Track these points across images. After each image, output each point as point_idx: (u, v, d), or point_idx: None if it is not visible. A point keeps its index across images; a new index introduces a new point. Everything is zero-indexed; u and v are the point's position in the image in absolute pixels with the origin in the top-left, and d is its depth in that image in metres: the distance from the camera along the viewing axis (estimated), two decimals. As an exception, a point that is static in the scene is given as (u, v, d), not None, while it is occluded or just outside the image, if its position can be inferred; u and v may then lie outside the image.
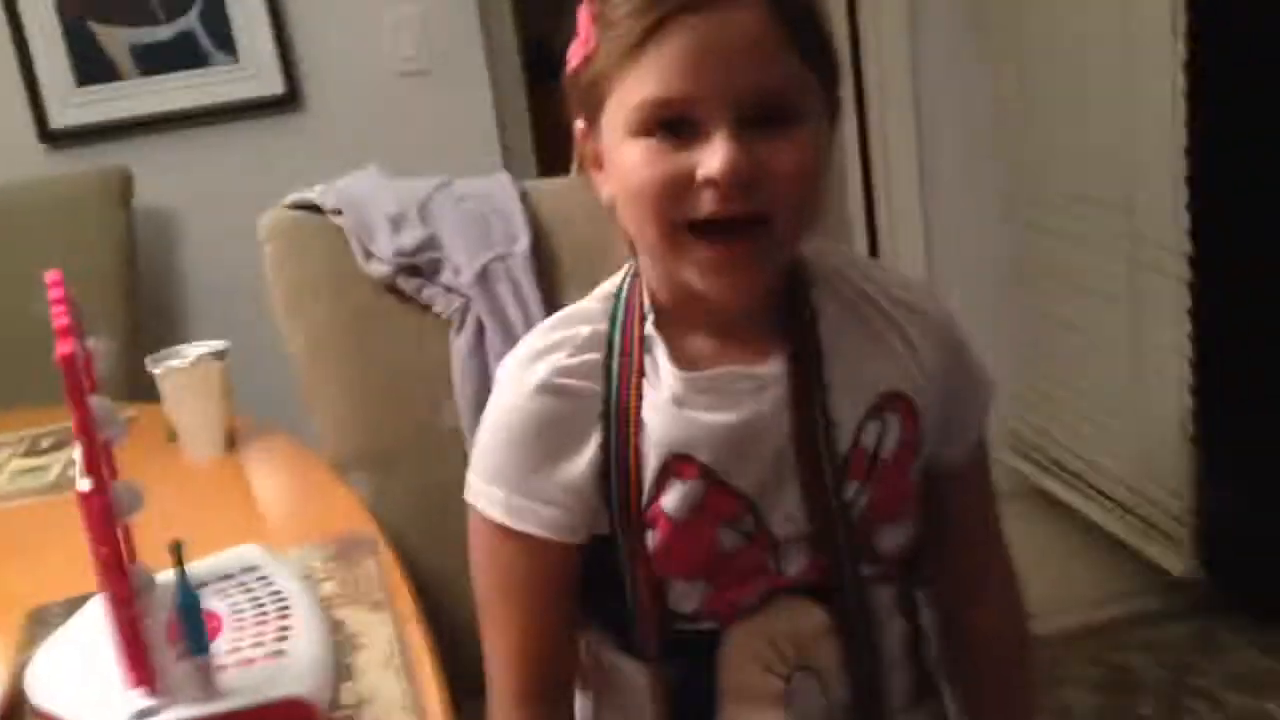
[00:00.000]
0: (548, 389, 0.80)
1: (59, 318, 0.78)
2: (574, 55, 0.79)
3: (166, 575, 1.00)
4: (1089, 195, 2.20)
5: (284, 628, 0.92)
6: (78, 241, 2.05)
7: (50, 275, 0.83)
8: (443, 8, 2.24)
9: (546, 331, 0.84)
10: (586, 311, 0.85)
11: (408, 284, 1.31)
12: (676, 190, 0.72)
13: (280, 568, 1.02)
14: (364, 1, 2.22)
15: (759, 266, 0.76)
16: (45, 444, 1.47)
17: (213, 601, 0.97)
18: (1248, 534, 2.09)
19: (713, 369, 0.79)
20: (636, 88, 0.72)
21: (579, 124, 0.81)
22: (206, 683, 0.83)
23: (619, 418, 0.79)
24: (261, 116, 2.24)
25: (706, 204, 0.72)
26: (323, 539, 1.12)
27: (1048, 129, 2.30)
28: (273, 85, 2.23)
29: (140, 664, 0.82)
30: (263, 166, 2.20)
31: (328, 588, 1.03)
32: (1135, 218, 2.07)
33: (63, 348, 0.75)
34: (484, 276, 1.31)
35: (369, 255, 1.30)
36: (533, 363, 0.81)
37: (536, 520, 0.80)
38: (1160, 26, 1.88)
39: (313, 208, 1.32)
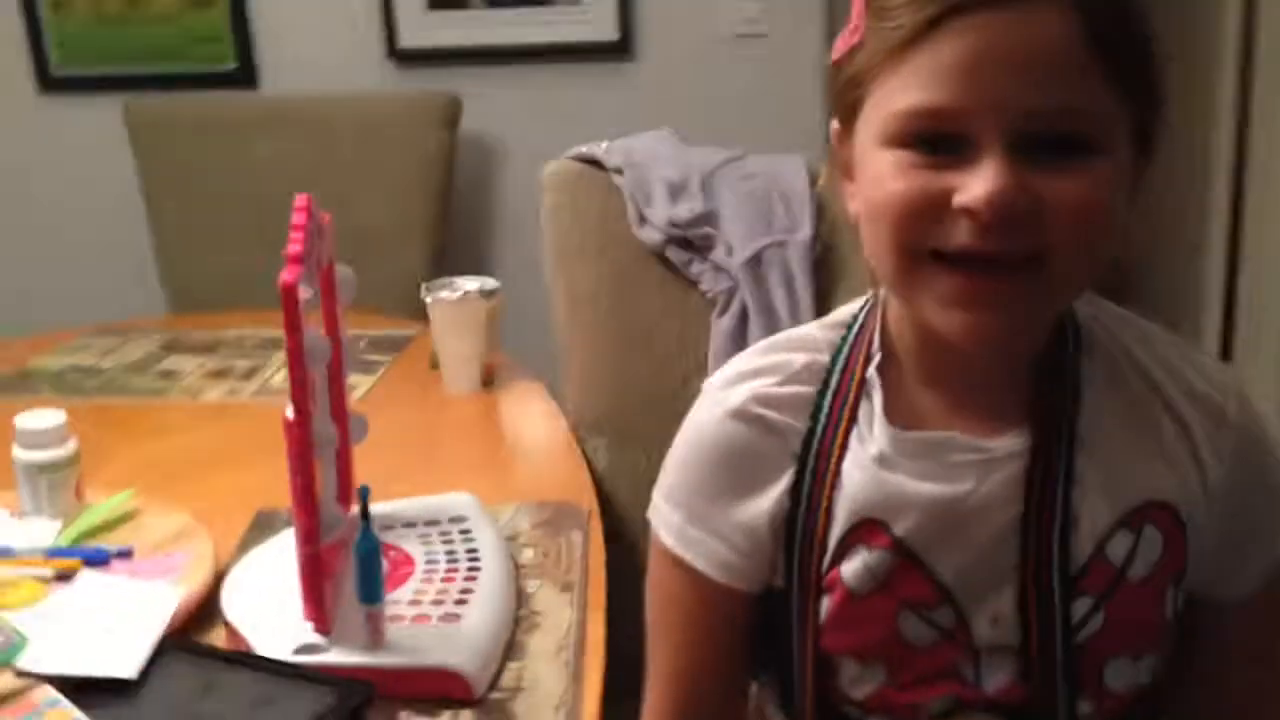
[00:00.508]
0: (744, 416, 0.72)
1: (294, 243, 0.78)
2: (840, 45, 0.69)
3: (375, 509, 1.02)
4: None
5: (467, 590, 0.90)
6: (403, 157, 2.14)
7: (299, 199, 0.83)
8: (795, -33, 2.16)
9: (761, 352, 0.76)
10: (810, 339, 0.76)
11: (677, 256, 1.26)
12: (927, 213, 0.62)
13: (487, 524, 1.01)
14: (712, -42, 2.18)
15: (1017, 311, 0.64)
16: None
17: (412, 544, 0.97)
18: None
19: (933, 431, 0.69)
20: (901, 90, 0.62)
21: (834, 125, 0.71)
22: (374, 632, 0.82)
23: (816, 465, 0.70)
24: (593, 60, 2.26)
25: (960, 235, 0.61)
26: (539, 501, 1.10)
27: None
28: (608, 31, 2.23)
29: (316, 600, 0.82)
30: (586, 109, 2.22)
31: (527, 555, 1.01)
32: None
33: (287, 275, 0.75)
34: (757, 261, 1.25)
35: (643, 220, 1.26)
36: (736, 384, 0.73)
37: (706, 555, 0.73)
38: None
39: (597, 163, 1.30)
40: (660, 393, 1.26)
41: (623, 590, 1.23)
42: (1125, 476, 0.68)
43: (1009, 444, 0.68)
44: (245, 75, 2.29)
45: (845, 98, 0.67)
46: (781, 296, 1.24)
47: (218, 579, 0.93)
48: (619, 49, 2.25)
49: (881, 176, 0.63)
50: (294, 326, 0.76)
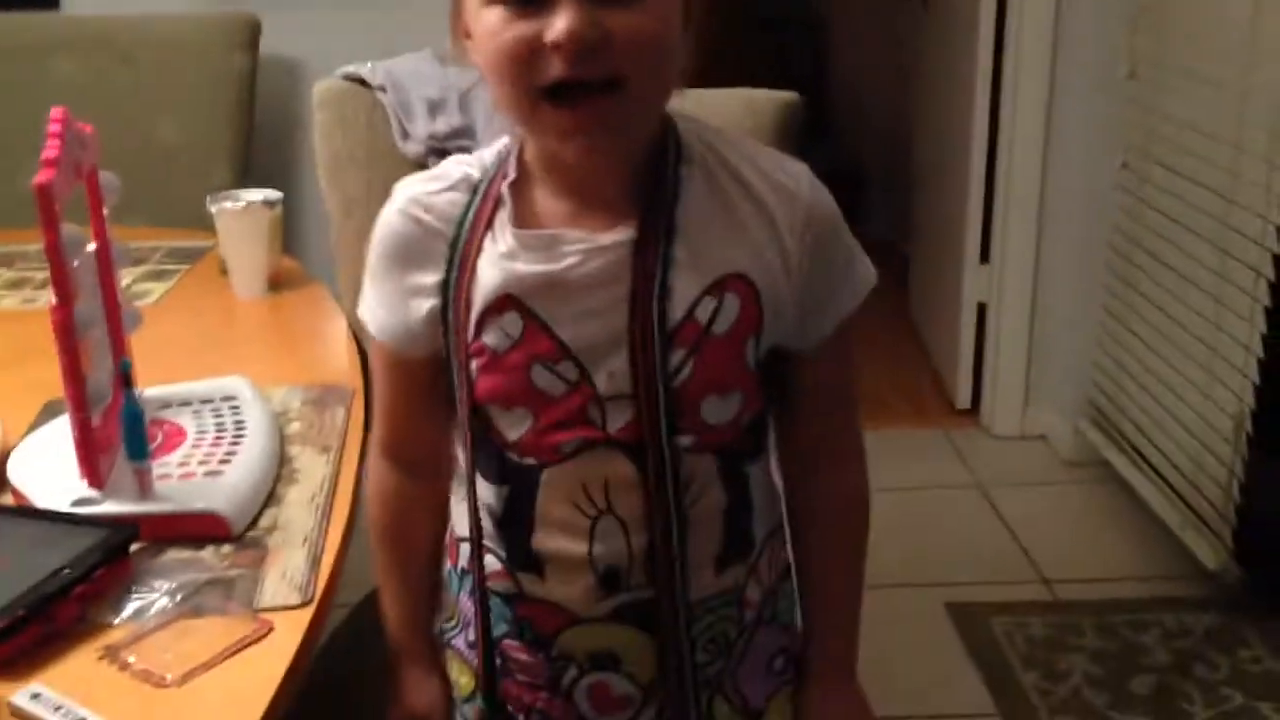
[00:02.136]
0: (406, 214, 0.89)
1: (49, 150, 0.90)
2: None
3: (155, 391, 1.15)
4: (1196, 177, 2.12)
5: (232, 452, 1.05)
6: (205, 78, 2.21)
7: (55, 111, 0.94)
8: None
9: (439, 165, 0.92)
10: (477, 158, 0.91)
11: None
12: (527, 56, 0.77)
13: (257, 402, 1.15)
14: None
15: (614, 128, 0.81)
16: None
17: (185, 419, 1.11)
18: (1287, 541, 2.04)
19: (548, 230, 0.86)
20: None
21: (453, 1, 0.86)
22: (143, 486, 0.96)
23: (460, 262, 0.87)
24: (393, -17, 2.34)
25: (555, 68, 0.77)
26: (309, 384, 1.24)
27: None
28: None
29: (89, 460, 0.95)
30: (386, 31, 2.30)
31: (294, 427, 1.15)
32: (1233, 208, 1.99)
33: (41, 177, 0.87)
34: (509, 168, 1.39)
35: (406, 135, 1.40)
36: (409, 186, 0.90)
37: (383, 328, 0.90)
38: None
39: (364, 82, 1.42)
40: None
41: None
42: (711, 256, 0.85)
43: (614, 236, 0.84)
44: (45, -4, 2.32)
45: None
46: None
47: (6, 456, 1.05)
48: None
49: (489, 31, 0.78)
50: (50, 223, 0.88)
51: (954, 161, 2.93)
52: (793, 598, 0.98)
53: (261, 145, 2.31)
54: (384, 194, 1.40)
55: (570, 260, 0.84)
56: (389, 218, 0.89)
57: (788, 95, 1.35)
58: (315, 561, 0.94)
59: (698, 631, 0.90)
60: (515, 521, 0.88)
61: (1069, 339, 2.67)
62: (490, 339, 0.85)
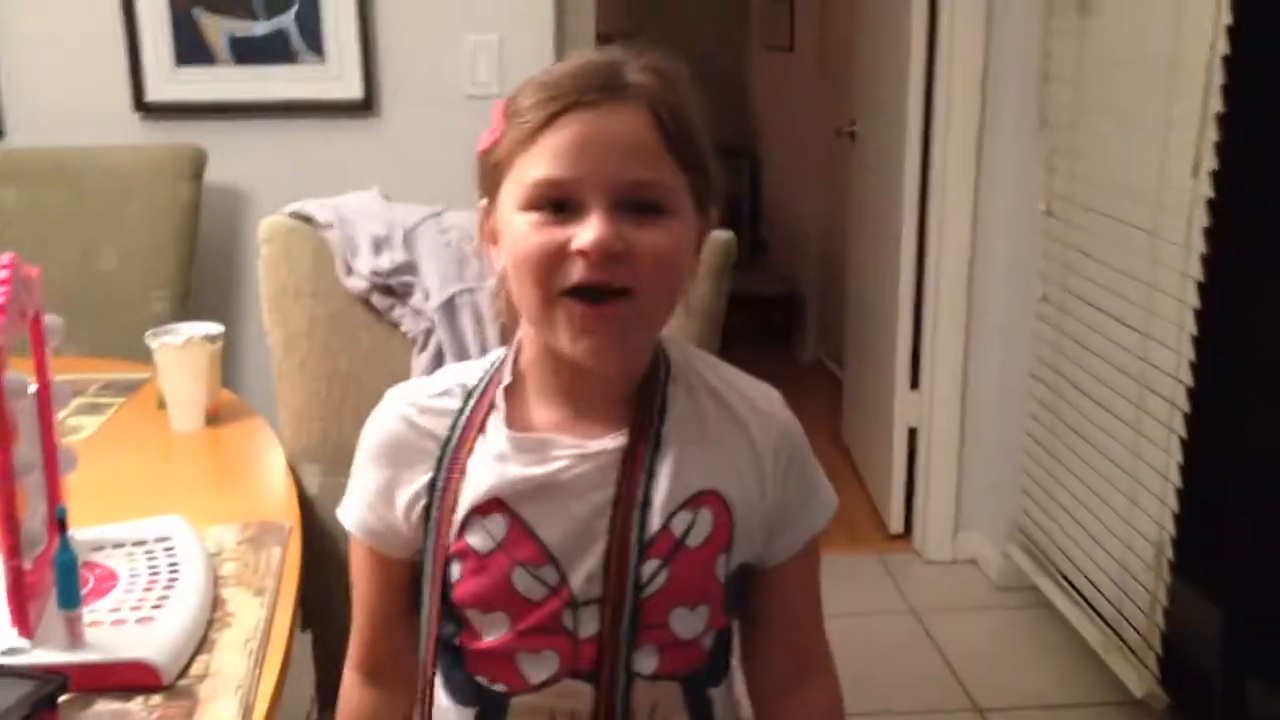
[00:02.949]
0: (402, 417, 0.93)
1: (-4, 299, 0.91)
2: (483, 140, 0.91)
3: (88, 532, 1.14)
4: (1112, 311, 2.21)
5: (164, 597, 1.04)
6: (149, 208, 2.23)
7: (3, 257, 0.96)
8: (521, 37, 2.36)
9: (431, 373, 0.97)
10: (467, 366, 0.97)
11: (380, 302, 1.43)
12: (555, 259, 0.83)
13: (191, 542, 1.15)
14: (447, 25, 2.36)
15: (622, 332, 0.86)
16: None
17: (118, 562, 1.10)
18: (1210, 664, 2.08)
19: (541, 434, 0.89)
20: (531, 167, 0.84)
21: (482, 202, 0.92)
22: (73, 635, 0.95)
23: (450, 462, 0.90)
24: (338, 117, 2.40)
25: (578, 272, 0.83)
26: (245, 521, 1.24)
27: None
28: (353, 90, 2.38)
29: (20, 609, 0.94)
30: (330, 163, 2.36)
31: (229, 568, 1.15)
32: (1149, 342, 2.08)
33: (-14, 327, 0.88)
34: (450, 306, 1.42)
35: (350, 270, 1.42)
36: (404, 392, 0.95)
37: (369, 532, 0.94)
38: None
39: (309, 219, 1.45)
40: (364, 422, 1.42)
41: (328, 592, 1.39)
42: (691, 471, 0.89)
43: (603, 444, 0.88)
44: (-11, 126, 2.34)
45: (490, 178, 0.88)
46: (472, 335, 1.42)
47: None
48: (363, 106, 2.40)
49: (520, 234, 0.84)
50: (-8, 371, 0.89)
51: (883, 289, 3.02)
52: None
53: (203, 274, 2.32)
54: (327, 327, 1.44)
55: (560, 464, 0.87)
56: (381, 418, 0.94)
57: (722, 235, 1.40)
58: (247, 710, 0.93)
59: None
60: None
61: (997, 465, 2.73)
62: (475, 540, 0.88)
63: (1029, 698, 2.30)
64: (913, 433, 2.93)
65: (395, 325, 1.44)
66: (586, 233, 0.81)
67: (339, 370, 1.43)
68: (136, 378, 1.68)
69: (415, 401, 0.93)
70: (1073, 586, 2.40)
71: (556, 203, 0.83)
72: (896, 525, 2.98)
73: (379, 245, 1.44)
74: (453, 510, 0.88)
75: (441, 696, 0.94)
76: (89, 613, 0.99)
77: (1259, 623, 1.99)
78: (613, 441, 0.89)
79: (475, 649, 0.91)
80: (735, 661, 0.98)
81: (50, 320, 1.08)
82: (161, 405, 1.53)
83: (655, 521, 0.87)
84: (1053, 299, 2.46)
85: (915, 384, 2.91)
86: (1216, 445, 1.97)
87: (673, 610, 0.88)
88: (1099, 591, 2.28)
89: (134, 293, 2.18)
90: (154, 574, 1.08)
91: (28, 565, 0.95)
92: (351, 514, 0.95)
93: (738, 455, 0.91)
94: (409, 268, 1.44)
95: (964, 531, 2.86)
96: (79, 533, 1.11)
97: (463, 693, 0.92)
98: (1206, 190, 1.90)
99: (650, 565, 0.87)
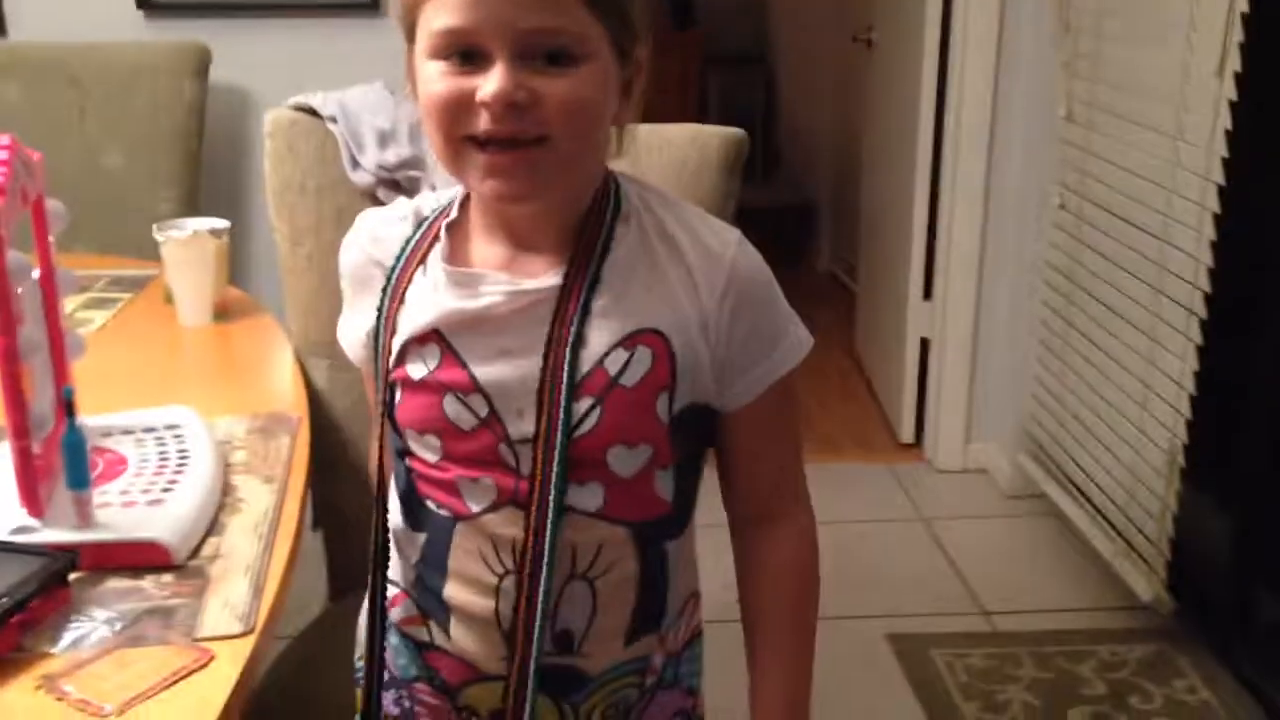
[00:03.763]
0: (355, 243, 0.96)
1: (-4, 178, 0.90)
2: None
3: (98, 420, 1.14)
4: (1130, 217, 2.18)
5: (174, 481, 1.04)
6: (153, 106, 2.20)
7: (2, 138, 0.94)
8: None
9: (399, 201, 0.97)
10: (428, 197, 0.96)
11: (387, 196, 1.41)
12: (459, 108, 0.82)
13: (201, 431, 1.15)
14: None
15: (536, 177, 0.84)
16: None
17: (127, 448, 1.10)
18: (1219, 571, 2.09)
19: (472, 269, 0.89)
20: (434, 16, 0.82)
21: (407, 46, 0.89)
22: (82, 515, 0.96)
23: (392, 290, 0.91)
24: (344, 16, 2.36)
25: (482, 123, 0.81)
26: (254, 413, 1.24)
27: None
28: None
29: (27, 488, 0.95)
30: (336, 63, 2.31)
31: (239, 456, 1.15)
32: (1166, 248, 2.05)
33: (-14, 206, 0.87)
34: (458, 199, 1.40)
35: (355, 164, 1.40)
36: (367, 217, 0.96)
37: (343, 342, 0.98)
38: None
39: (314, 112, 1.43)
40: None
41: (336, 481, 1.40)
42: (629, 310, 0.87)
43: (538, 283, 0.87)
44: (-9, 22, 2.30)
45: (405, 22, 0.86)
46: (481, 231, 1.40)
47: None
48: (369, 6, 2.35)
49: (427, 82, 0.83)
50: (-7, 250, 0.88)
51: (898, 200, 2.99)
52: (698, 662, 1.00)
53: (210, 173, 2.30)
54: (334, 223, 1.43)
55: (490, 300, 0.87)
56: (345, 244, 0.96)
57: (734, 131, 1.38)
58: (258, 590, 0.93)
59: (601, 698, 0.93)
60: (431, 570, 0.92)
61: (1009, 375, 2.72)
62: (411, 367, 0.89)
63: (1035, 602, 2.31)
64: (925, 343, 2.91)
65: (402, 219, 1.42)
66: (488, 84, 0.80)
67: (346, 264, 1.41)
68: (144, 274, 1.68)
69: (372, 230, 0.95)
70: (1082, 494, 2.40)
71: (464, 52, 0.82)
72: (908, 435, 2.97)
73: (384, 139, 1.42)
74: (392, 335, 0.90)
75: (398, 519, 0.95)
76: (99, 495, 0.99)
77: (1269, 529, 1.99)
78: (548, 280, 0.88)
79: (422, 473, 0.91)
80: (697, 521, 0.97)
81: (53, 204, 1.07)
82: (169, 300, 1.52)
83: (589, 359, 0.86)
84: (1070, 206, 2.43)
85: (928, 294, 2.88)
86: (1232, 353, 1.96)
87: (609, 448, 0.87)
88: (1109, 499, 2.29)
89: (141, 191, 2.16)
90: (163, 459, 1.08)
91: (36, 447, 0.96)
92: (339, 335, 0.99)
93: (680, 295, 0.89)
94: (415, 162, 1.42)
95: (975, 441, 2.86)
96: (88, 420, 1.11)
97: (415, 517, 0.93)
98: (1230, 91, 1.85)
99: (584, 403, 0.86)
